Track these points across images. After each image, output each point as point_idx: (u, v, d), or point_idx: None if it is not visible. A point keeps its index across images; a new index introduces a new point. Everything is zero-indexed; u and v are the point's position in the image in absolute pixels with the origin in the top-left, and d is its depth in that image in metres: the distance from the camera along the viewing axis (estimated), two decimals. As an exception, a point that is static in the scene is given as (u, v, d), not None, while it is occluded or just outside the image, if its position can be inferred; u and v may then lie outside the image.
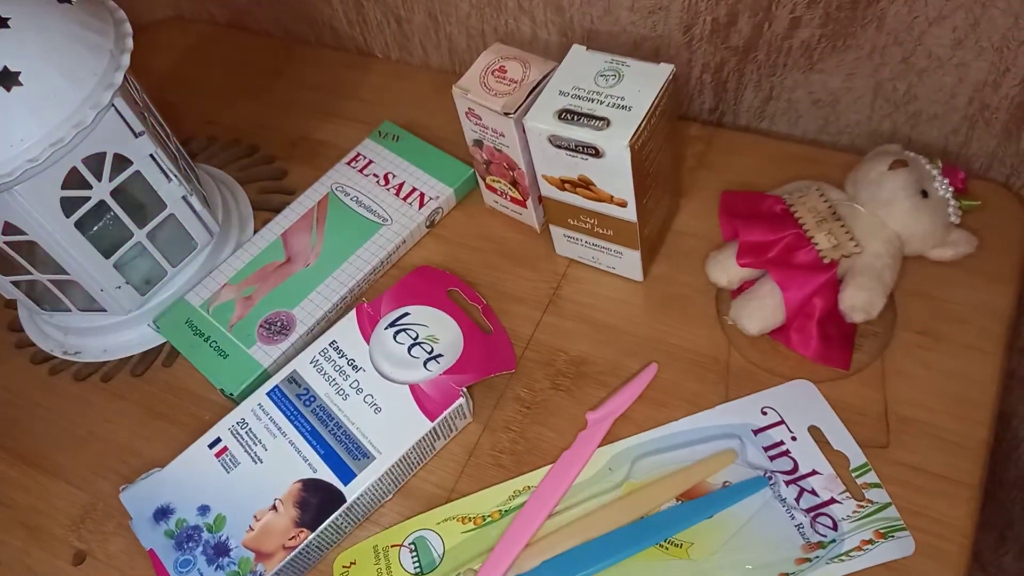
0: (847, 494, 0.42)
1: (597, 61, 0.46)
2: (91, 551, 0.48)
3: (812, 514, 0.41)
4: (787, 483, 0.42)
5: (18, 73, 0.43)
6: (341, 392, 0.47)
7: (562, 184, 0.47)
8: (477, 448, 0.47)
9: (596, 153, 0.44)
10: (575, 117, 0.44)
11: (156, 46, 0.75)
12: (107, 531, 0.48)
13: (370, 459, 0.45)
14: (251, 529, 0.44)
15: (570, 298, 0.52)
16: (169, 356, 0.55)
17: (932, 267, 0.48)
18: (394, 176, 0.58)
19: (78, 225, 0.49)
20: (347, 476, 0.44)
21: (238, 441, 0.47)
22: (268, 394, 0.48)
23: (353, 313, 0.50)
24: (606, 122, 0.43)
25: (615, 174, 0.44)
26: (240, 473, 0.46)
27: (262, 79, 0.70)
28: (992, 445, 0.43)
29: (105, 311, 0.54)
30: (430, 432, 0.45)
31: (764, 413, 0.45)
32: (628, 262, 0.51)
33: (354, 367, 0.48)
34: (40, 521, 0.50)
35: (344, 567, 0.44)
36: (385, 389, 0.47)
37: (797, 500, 0.42)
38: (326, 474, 0.45)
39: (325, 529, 0.43)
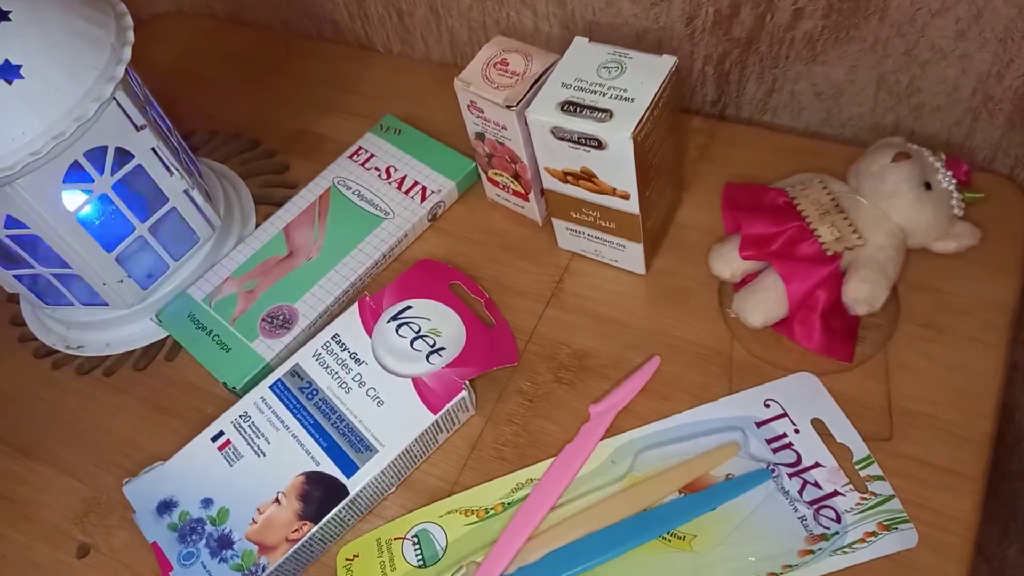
0: (850, 486, 0.42)
1: (600, 53, 0.46)
2: (95, 544, 0.48)
3: (815, 506, 0.41)
4: (790, 476, 0.42)
5: (19, 67, 0.43)
6: (344, 385, 0.47)
7: (564, 177, 0.47)
8: (480, 441, 0.47)
9: (599, 145, 0.44)
10: (578, 109, 0.44)
11: (157, 40, 0.75)
12: (110, 524, 0.48)
13: (373, 452, 0.45)
14: (254, 522, 0.44)
15: (572, 291, 0.52)
16: (171, 350, 0.55)
17: (935, 259, 0.48)
18: (396, 170, 0.58)
19: (80, 218, 0.49)
20: (350, 469, 0.44)
21: (241, 434, 0.47)
22: (271, 387, 0.48)
23: (355, 307, 0.50)
24: (609, 114, 0.43)
25: (618, 166, 0.44)
26: (243, 466, 0.46)
27: (263, 73, 0.70)
28: (996, 438, 0.43)
29: (107, 305, 0.54)
30: (433, 425, 0.45)
31: (767, 406, 0.45)
32: (630, 255, 0.50)
33: (356, 360, 0.48)
34: (43, 515, 0.50)
35: (347, 560, 0.44)
36: (388, 382, 0.47)
37: (800, 492, 0.42)
38: (329, 467, 0.45)
39: (328, 522, 0.44)
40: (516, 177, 0.53)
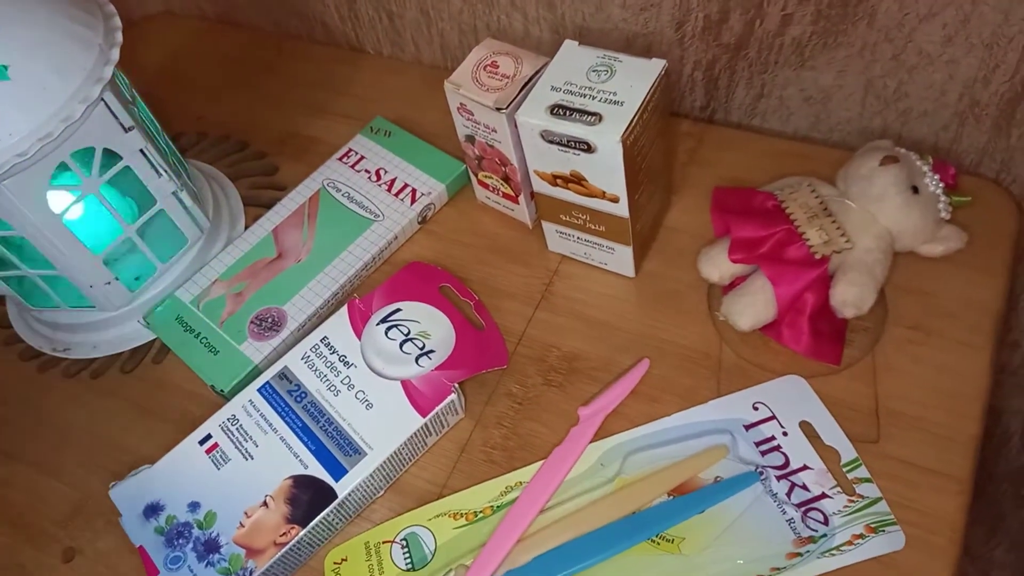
0: (838, 489, 0.42)
1: (589, 56, 0.46)
2: (80, 548, 0.48)
3: (803, 509, 0.41)
4: (778, 478, 0.42)
5: (6, 67, 0.43)
6: (332, 388, 0.47)
7: (554, 180, 0.47)
8: (469, 444, 0.47)
9: (588, 148, 0.44)
10: (567, 112, 0.44)
11: (145, 41, 0.75)
12: (97, 528, 0.48)
13: (361, 455, 0.45)
14: (242, 526, 0.44)
15: (562, 294, 0.52)
16: (159, 352, 0.55)
17: (923, 262, 0.48)
18: (386, 172, 0.58)
19: (67, 220, 0.48)
20: (338, 472, 0.44)
21: (229, 437, 0.46)
22: (259, 390, 0.48)
23: (344, 309, 0.50)
24: (598, 117, 0.43)
25: (607, 169, 0.44)
26: (231, 469, 0.45)
27: (253, 75, 0.70)
28: (982, 439, 0.44)
29: (94, 307, 0.54)
30: (422, 428, 0.45)
31: (755, 408, 0.45)
32: (620, 258, 0.51)
33: (345, 363, 0.48)
34: (29, 518, 0.49)
35: (335, 563, 0.44)
36: (377, 385, 0.47)
37: (788, 495, 0.42)
38: (317, 470, 0.44)
39: (316, 525, 0.43)
40: (506, 180, 0.53)
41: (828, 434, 0.44)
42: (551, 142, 0.45)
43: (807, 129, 0.59)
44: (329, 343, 0.49)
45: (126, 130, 0.49)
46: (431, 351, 0.48)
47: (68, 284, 0.52)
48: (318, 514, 0.43)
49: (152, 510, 0.45)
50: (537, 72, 0.48)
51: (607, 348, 0.49)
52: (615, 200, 0.46)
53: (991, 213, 0.50)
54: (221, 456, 0.46)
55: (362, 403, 0.46)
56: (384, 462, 0.45)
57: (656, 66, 0.45)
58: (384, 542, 0.44)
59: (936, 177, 0.47)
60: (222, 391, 0.50)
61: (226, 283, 0.54)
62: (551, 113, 0.44)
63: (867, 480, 0.42)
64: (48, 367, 0.56)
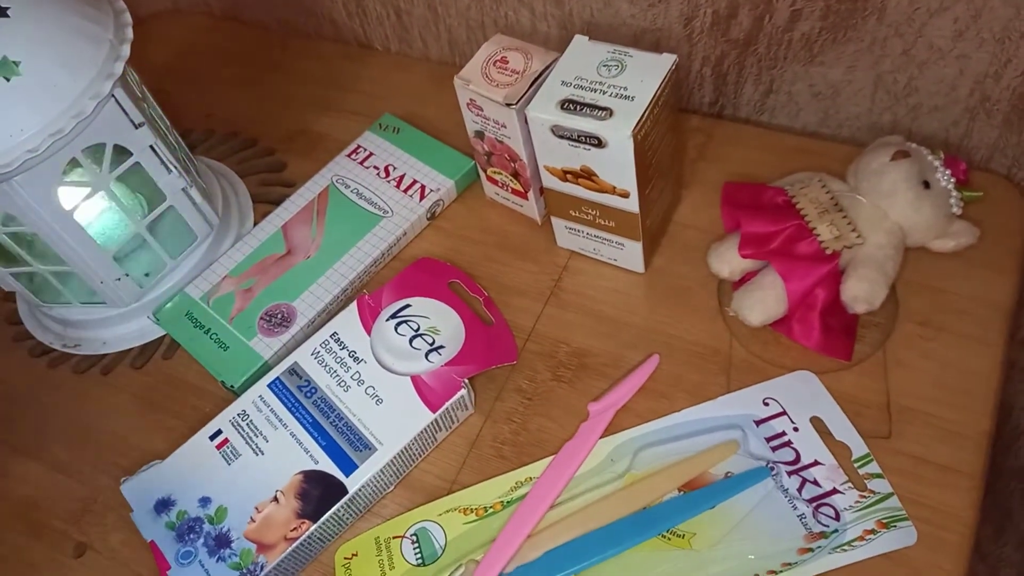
0: (849, 484, 0.42)
1: (599, 51, 0.46)
2: (92, 544, 0.48)
3: (814, 504, 0.41)
4: (789, 474, 0.42)
5: (18, 63, 0.43)
6: (342, 383, 0.47)
7: (564, 175, 0.47)
8: (479, 439, 0.47)
9: (599, 143, 0.44)
10: (578, 107, 0.44)
11: (154, 38, 0.75)
12: (108, 523, 0.48)
13: (372, 450, 0.45)
14: (252, 521, 0.44)
15: (571, 290, 0.52)
16: (169, 348, 0.55)
17: (934, 258, 0.48)
18: (394, 168, 0.58)
19: (77, 216, 0.48)
20: (349, 467, 0.44)
21: (239, 433, 0.46)
22: (269, 386, 0.48)
23: (354, 305, 0.50)
24: (609, 112, 0.43)
25: (617, 164, 0.44)
26: (241, 465, 0.45)
27: (261, 71, 0.70)
28: (993, 436, 0.43)
29: (105, 304, 0.54)
30: (432, 423, 0.45)
31: (766, 404, 0.45)
32: (630, 254, 0.50)
33: (355, 359, 0.48)
34: (40, 514, 0.50)
35: (346, 559, 0.44)
36: (386, 380, 0.47)
37: (799, 490, 0.42)
38: (327, 465, 0.45)
39: (327, 521, 0.43)
40: (515, 175, 0.53)
41: (839, 430, 0.43)
42: (561, 137, 0.45)
43: (816, 125, 0.59)
44: (339, 339, 0.49)
45: (136, 126, 0.49)
46: (441, 347, 0.48)
47: (78, 280, 0.52)
48: (328, 509, 0.43)
49: (163, 505, 0.45)
50: (547, 67, 0.48)
51: (616, 344, 0.49)
52: (625, 195, 0.46)
53: (1002, 209, 0.50)
54: (231, 451, 0.46)
55: (372, 398, 0.46)
56: (394, 457, 0.45)
57: (667, 61, 0.45)
58: (394, 537, 0.44)
59: (947, 172, 0.47)
60: (232, 387, 0.50)
61: (236, 279, 0.54)
62: (561, 108, 0.44)
63: (878, 476, 0.42)
64: (58, 363, 0.56)
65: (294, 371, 0.48)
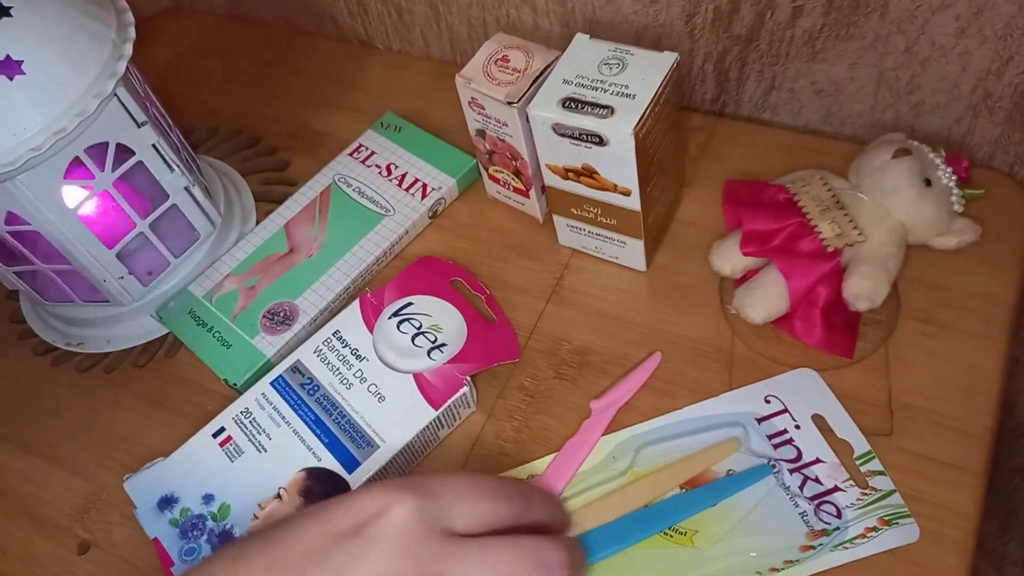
0: (851, 482, 0.42)
1: (601, 49, 0.46)
2: (95, 540, 0.48)
3: (816, 502, 0.41)
4: (791, 471, 0.42)
5: (20, 62, 0.43)
6: (345, 381, 0.47)
7: (566, 173, 0.47)
8: (481, 437, 0.47)
9: (600, 141, 0.44)
10: (579, 105, 0.44)
11: (156, 37, 0.75)
12: (111, 520, 0.48)
13: (374, 448, 0.45)
14: (255, 518, 0.44)
15: (573, 288, 0.52)
16: (172, 347, 0.55)
17: (936, 255, 0.48)
18: (396, 167, 0.58)
19: (80, 215, 0.49)
20: (351, 465, 0.44)
21: (242, 430, 0.47)
22: (272, 384, 0.48)
23: (356, 303, 0.50)
24: (610, 110, 0.43)
25: (619, 162, 0.44)
26: (244, 462, 0.46)
27: (263, 70, 0.70)
28: (996, 433, 0.43)
29: (108, 302, 0.54)
30: (434, 421, 0.45)
31: (768, 401, 0.45)
32: (631, 251, 0.51)
33: (358, 356, 0.48)
34: (44, 511, 0.50)
35: (349, 556, 0.44)
36: (389, 378, 0.47)
37: (801, 488, 0.42)
38: (330, 463, 0.45)
39: (330, 518, 0.43)
40: (517, 174, 0.53)
41: (841, 427, 0.43)
42: (563, 135, 0.45)
43: (818, 122, 0.59)
44: (341, 337, 0.49)
45: (139, 125, 0.49)
46: (443, 345, 0.48)
47: (82, 279, 0.52)
48: (331, 507, 0.43)
49: (166, 502, 0.45)
50: (548, 66, 0.48)
51: (618, 342, 0.49)
52: (627, 193, 0.46)
53: (1004, 206, 0.50)
54: (235, 449, 0.46)
55: (374, 396, 0.46)
56: (396, 455, 0.45)
57: (668, 59, 0.45)
58: (397, 535, 0.44)
59: (949, 170, 0.47)
60: (235, 385, 0.50)
61: (238, 278, 0.54)
62: (563, 106, 0.44)
63: (880, 473, 0.42)
64: (62, 361, 0.56)
65: (297, 369, 0.48)
